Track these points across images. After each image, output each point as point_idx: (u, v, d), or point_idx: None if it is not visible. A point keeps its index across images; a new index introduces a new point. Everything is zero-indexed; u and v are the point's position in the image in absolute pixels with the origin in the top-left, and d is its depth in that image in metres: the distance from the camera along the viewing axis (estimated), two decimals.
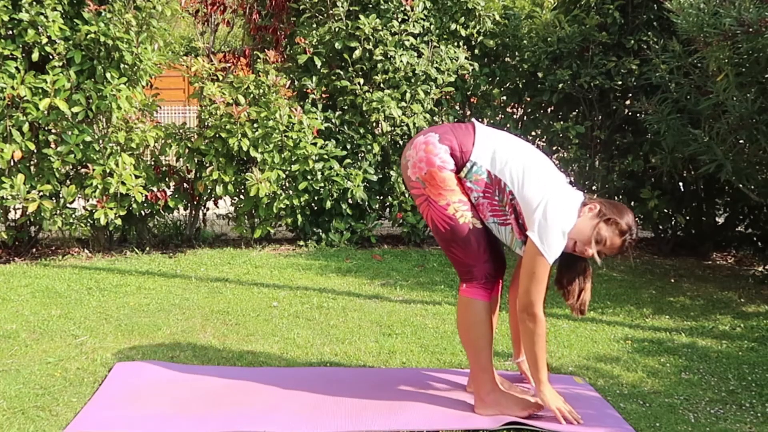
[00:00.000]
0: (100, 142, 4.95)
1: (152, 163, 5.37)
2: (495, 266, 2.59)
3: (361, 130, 5.65)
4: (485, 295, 2.56)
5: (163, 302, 3.99)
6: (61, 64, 4.84)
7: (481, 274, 2.55)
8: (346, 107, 5.69)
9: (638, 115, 5.38)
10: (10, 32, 4.78)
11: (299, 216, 5.52)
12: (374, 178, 5.60)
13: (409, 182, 2.63)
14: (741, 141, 4.13)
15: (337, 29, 5.53)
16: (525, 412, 2.54)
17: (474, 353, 2.58)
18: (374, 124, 5.66)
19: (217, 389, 2.79)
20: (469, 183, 2.55)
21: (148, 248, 5.35)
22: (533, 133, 6.01)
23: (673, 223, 5.67)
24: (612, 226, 2.46)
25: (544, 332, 2.49)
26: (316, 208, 5.66)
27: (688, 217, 5.57)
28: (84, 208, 5.11)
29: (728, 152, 4.10)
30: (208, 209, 5.84)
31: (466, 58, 5.73)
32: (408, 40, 5.59)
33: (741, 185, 4.38)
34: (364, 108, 5.53)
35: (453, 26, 5.80)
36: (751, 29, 3.58)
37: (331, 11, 5.59)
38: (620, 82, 5.41)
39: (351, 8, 5.61)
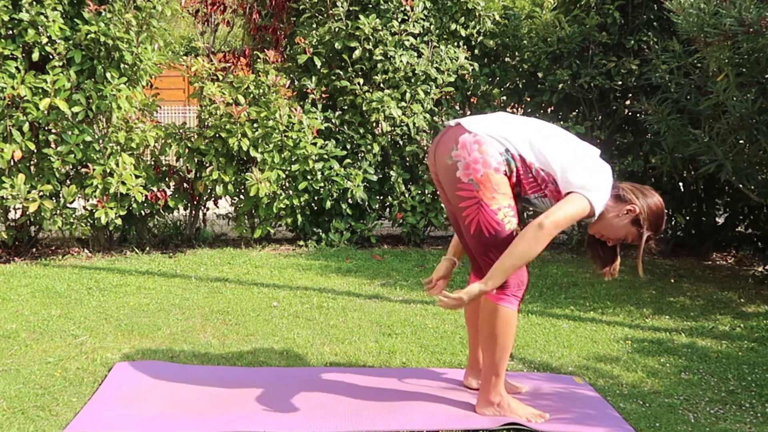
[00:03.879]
0: (100, 142, 4.96)
1: (152, 163, 5.38)
2: (527, 274, 2.56)
3: (361, 130, 5.65)
4: (515, 302, 2.51)
5: (163, 302, 3.99)
6: (61, 64, 4.84)
7: (515, 281, 2.49)
8: (346, 107, 5.69)
9: (638, 115, 5.38)
10: (10, 32, 4.78)
11: (299, 216, 5.52)
12: (374, 178, 5.60)
13: (456, 184, 2.46)
14: (741, 141, 4.13)
15: (337, 29, 5.53)
16: (524, 418, 2.54)
17: (493, 358, 2.55)
18: (374, 124, 5.66)
19: (217, 389, 2.79)
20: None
21: (148, 248, 5.35)
22: None
23: (673, 223, 5.67)
24: (641, 229, 2.49)
25: (533, 254, 2.37)
26: (316, 208, 5.66)
27: (688, 217, 5.57)
28: (84, 207, 5.12)
29: (728, 152, 4.10)
30: (208, 209, 5.84)
31: (466, 58, 5.73)
32: (408, 40, 5.59)
33: (741, 185, 4.38)
34: (364, 108, 5.53)
35: (453, 26, 5.80)
36: (751, 29, 3.58)
37: (331, 11, 5.59)
38: (620, 82, 5.41)
39: (351, 8, 5.61)
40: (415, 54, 5.69)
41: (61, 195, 4.96)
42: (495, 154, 2.43)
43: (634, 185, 2.55)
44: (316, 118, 5.53)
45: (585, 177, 2.41)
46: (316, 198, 5.56)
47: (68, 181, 5.08)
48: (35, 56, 4.75)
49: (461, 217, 2.50)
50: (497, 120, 2.54)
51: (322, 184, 5.49)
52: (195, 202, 5.65)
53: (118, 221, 5.04)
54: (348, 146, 5.66)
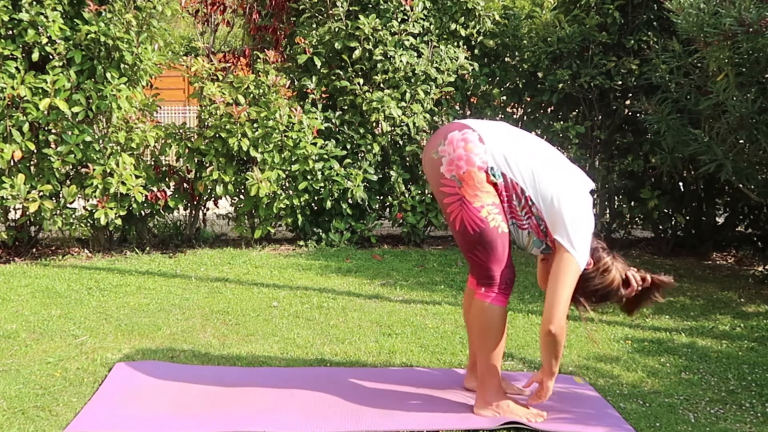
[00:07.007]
0: (100, 142, 4.96)
1: (152, 163, 5.38)
2: (514, 272, 2.57)
3: (361, 130, 5.65)
4: (503, 300, 2.53)
5: (163, 302, 3.99)
6: (61, 64, 4.83)
7: (502, 279, 2.51)
8: (346, 107, 5.69)
9: (638, 115, 5.38)
10: (10, 32, 4.78)
11: (299, 216, 5.52)
12: (374, 178, 5.60)
13: (440, 179, 2.50)
14: (741, 141, 4.13)
15: (336, 29, 5.53)
16: (524, 418, 2.54)
17: (486, 357, 2.56)
18: (374, 124, 5.66)
19: (217, 389, 2.79)
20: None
21: (148, 248, 5.35)
22: (533, 133, 6.01)
23: (673, 223, 5.67)
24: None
25: (564, 341, 2.48)
26: (316, 208, 5.66)
27: (688, 217, 5.57)
28: (84, 208, 5.11)
29: (728, 152, 4.10)
30: (208, 209, 5.84)
31: (466, 58, 5.74)
32: (408, 40, 5.59)
33: (741, 185, 4.39)
34: (364, 108, 5.53)
35: (453, 26, 5.80)
36: (751, 29, 3.58)
37: (330, 11, 5.59)
38: (620, 82, 5.41)
39: (351, 8, 5.61)
40: (415, 54, 5.69)
41: (61, 195, 4.96)
42: (480, 153, 2.45)
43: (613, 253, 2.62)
44: (316, 118, 5.53)
45: (580, 226, 2.43)
46: (316, 198, 5.56)
47: (68, 181, 5.08)
48: (35, 56, 4.75)
49: (446, 214, 2.54)
50: (505, 135, 2.53)
51: (322, 184, 5.49)
52: (195, 202, 5.65)
53: (118, 221, 5.04)
54: (348, 146, 5.66)
